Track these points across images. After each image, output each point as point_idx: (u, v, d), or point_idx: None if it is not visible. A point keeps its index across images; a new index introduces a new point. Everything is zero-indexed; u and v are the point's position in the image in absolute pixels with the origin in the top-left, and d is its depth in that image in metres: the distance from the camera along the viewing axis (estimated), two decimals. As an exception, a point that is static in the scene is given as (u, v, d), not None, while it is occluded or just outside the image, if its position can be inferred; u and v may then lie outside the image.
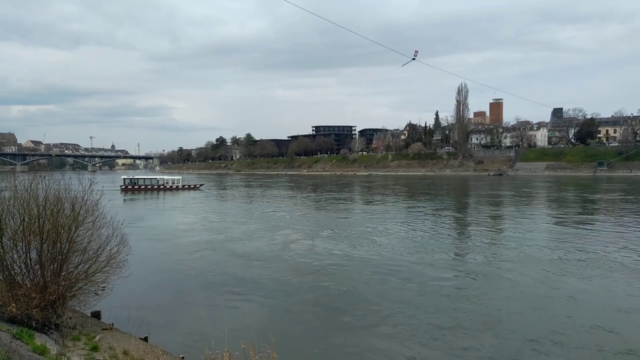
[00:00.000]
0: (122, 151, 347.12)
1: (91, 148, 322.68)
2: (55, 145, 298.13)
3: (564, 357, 10.06)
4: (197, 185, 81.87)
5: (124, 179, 77.64)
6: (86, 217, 11.01)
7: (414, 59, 31.86)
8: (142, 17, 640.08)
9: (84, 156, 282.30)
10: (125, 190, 72.95)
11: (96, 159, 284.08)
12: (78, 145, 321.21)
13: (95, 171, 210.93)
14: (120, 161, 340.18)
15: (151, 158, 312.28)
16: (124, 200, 58.57)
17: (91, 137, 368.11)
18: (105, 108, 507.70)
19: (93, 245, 10.92)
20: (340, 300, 14.26)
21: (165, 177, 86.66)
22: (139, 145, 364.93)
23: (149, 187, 76.89)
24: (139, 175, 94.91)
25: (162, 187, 77.25)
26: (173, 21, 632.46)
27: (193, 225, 32.93)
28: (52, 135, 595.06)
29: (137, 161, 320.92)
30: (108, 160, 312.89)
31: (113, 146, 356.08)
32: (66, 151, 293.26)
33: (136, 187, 75.84)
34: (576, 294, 14.34)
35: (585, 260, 18.96)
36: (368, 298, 14.40)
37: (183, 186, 78.67)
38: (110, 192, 56.40)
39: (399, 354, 10.38)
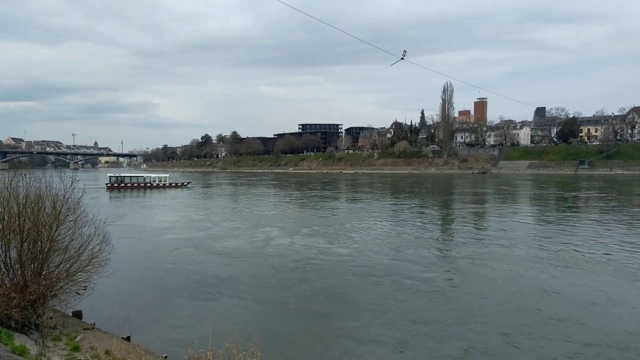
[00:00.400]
0: (105, 149, 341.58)
1: (73, 145, 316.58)
2: (37, 143, 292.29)
3: (533, 347, 10.45)
4: (185, 183, 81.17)
5: (110, 177, 76.54)
6: (67, 215, 10.94)
7: (402, 58, 31.82)
8: (125, 11, 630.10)
9: (65, 154, 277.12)
10: (111, 188, 71.86)
11: (78, 156, 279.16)
12: (60, 143, 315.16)
13: (77, 169, 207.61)
14: (103, 159, 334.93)
15: (135, 156, 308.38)
16: (110, 198, 57.84)
17: (73, 135, 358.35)
18: (88, 105, 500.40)
19: (75, 244, 10.86)
20: (321, 297, 14.47)
21: (152, 175, 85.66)
22: (122, 143, 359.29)
23: (135, 185, 76.01)
24: (124, 173, 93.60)
25: (149, 185, 76.45)
26: (156, 16, 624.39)
27: (176, 223, 32.76)
28: (34, 132, 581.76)
29: (121, 159, 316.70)
30: (91, 157, 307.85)
31: (96, 143, 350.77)
32: (48, 149, 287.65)
33: (122, 185, 74.83)
34: (547, 289, 14.84)
35: (556, 257, 19.54)
36: (348, 294, 14.64)
37: (170, 184, 77.94)
38: (94, 190, 55.73)
39: (377, 347, 10.64)
